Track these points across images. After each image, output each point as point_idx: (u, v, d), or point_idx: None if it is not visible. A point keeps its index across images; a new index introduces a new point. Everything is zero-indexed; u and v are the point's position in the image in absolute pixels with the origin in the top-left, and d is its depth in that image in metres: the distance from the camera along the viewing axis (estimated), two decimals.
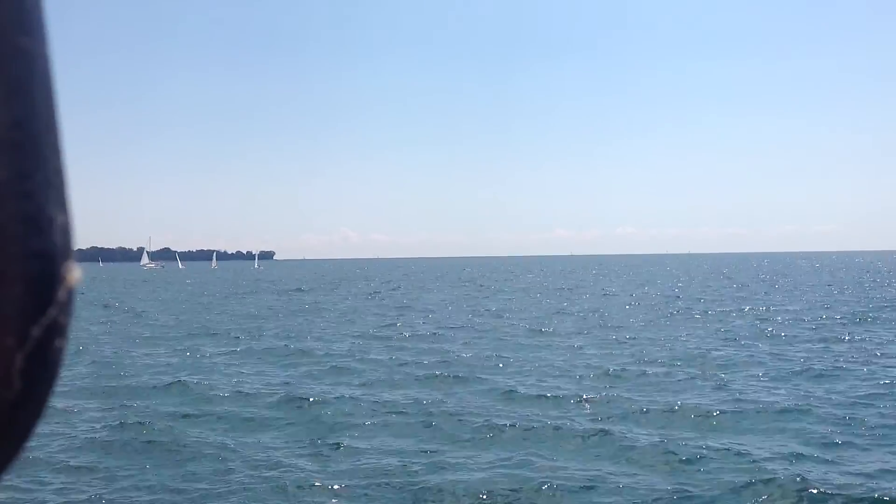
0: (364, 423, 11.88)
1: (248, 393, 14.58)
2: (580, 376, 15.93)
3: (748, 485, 8.71)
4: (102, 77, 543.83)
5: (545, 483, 8.87)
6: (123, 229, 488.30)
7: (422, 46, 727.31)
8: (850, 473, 9.17)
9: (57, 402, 13.28)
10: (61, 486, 9.16)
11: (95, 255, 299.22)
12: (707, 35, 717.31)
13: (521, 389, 14.38)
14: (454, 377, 15.84)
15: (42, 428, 11.91)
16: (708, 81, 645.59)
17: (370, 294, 52.67)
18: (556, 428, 11.27)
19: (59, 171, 0.45)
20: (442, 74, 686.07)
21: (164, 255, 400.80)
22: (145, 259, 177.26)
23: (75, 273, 0.46)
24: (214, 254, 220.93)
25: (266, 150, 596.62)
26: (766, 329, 24.79)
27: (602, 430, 11.08)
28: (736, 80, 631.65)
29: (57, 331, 0.45)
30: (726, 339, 22.62)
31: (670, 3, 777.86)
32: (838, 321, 27.44)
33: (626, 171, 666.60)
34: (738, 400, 13.25)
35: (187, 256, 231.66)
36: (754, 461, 9.59)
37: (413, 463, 9.77)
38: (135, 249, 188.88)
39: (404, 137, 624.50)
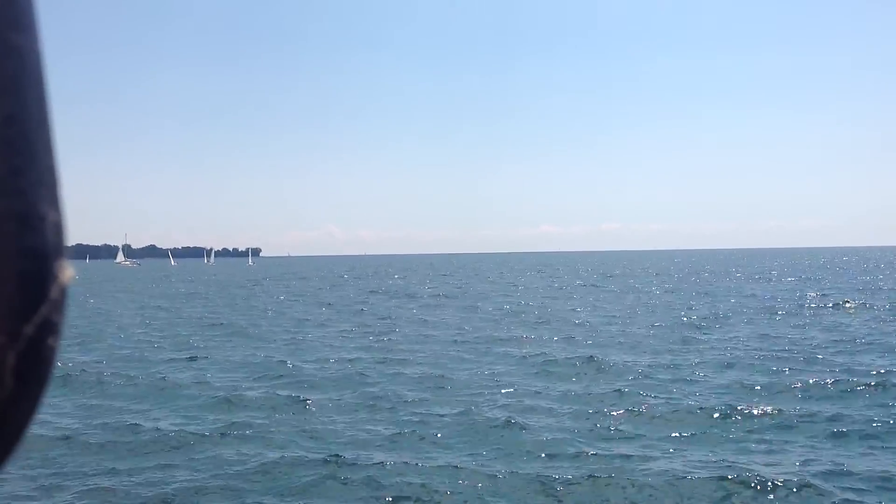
0: None
1: None
2: None
3: None
4: (89, 74, 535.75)
5: None
6: (107, 226, 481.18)
7: (409, 44, 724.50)
8: None
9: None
10: None
11: (83, 252, 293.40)
12: (693, 32, 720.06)
13: None
14: None
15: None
16: (693, 78, 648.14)
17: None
18: None
19: (51, 168, 0.45)
20: (429, 72, 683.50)
21: (150, 252, 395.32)
22: (120, 257, 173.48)
23: (68, 271, 0.45)
24: (213, 251, 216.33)
25: (251, 146, 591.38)
26: None
27: None
28: (721, 77, 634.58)
29: (50, 329, 0.44)
30: None
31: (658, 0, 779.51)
32: None
33: (611, 166, 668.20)
34: None
35: (174, 254, 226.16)
36: None
37: None
38: (120, 247, 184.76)
39: (390, 134, 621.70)
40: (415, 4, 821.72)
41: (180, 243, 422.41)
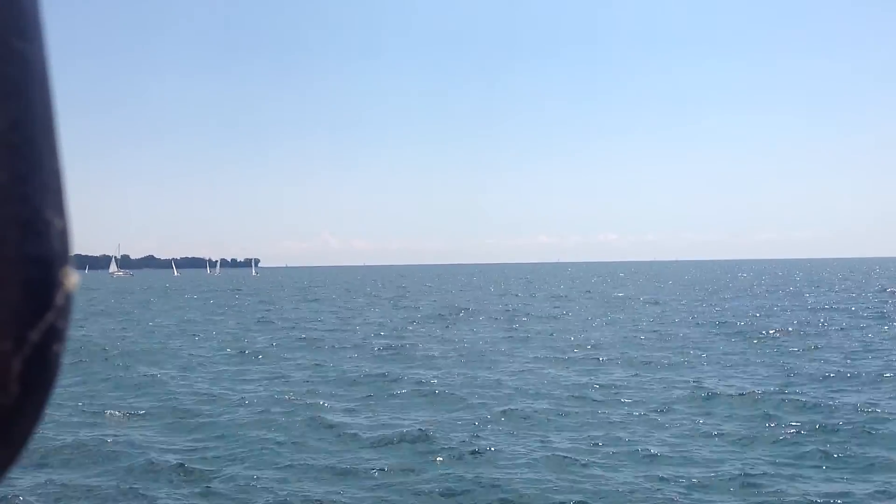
0: None
1: None
2: None
3: None
4: (87, 82, 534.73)
5: None
6: (105, 236, 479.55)
7: (404, 54, 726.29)
8: None
9: None
10: None
11: (83, 262, 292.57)
12: (689, 41, 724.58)
13: None
14: None
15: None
16: (688, 87, 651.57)
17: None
18: None
19: (57, 174, 0.46)
20: (424, 81, 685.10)
21: (148, 262, 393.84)
22: (113, 267, 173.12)
23: (73, 278, 0.46)
24: (218, 261, 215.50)
25: (246, 156, 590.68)
26: None
27: None
28: (717, 85, 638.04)
29: (55, 335, 0.44)
30: None
31: (653, 6, 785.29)
32: None
33: (608, 177, 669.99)
34: None
35: (171, 264, 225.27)
36: None
37: None
38: (118, 257, 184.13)
39: (385, 143, 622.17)
40: (410, 14, 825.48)
41: (177, 254, 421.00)
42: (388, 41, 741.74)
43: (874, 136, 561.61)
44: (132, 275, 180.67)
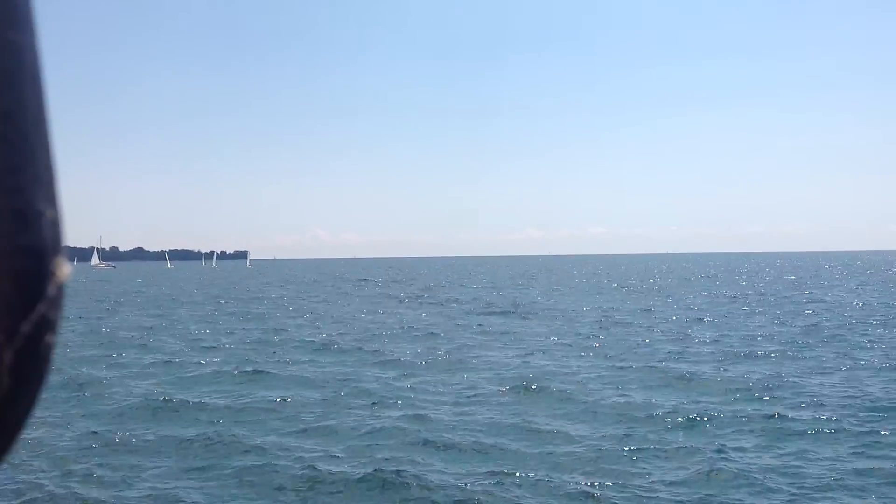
0: None
1: None
2: None
3: None
4: (79, 74, 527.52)
5: None
6: (94, 228, 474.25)
7: (394, 47, 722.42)
8: None
9: None
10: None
11: (72, 255, 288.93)
12: (679, 38, 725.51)
13: None
14: None
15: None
16: (676, 82, 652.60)
17: None
18: None
19: (49, 165, 0.45)
20: (415, 75, 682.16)
21: (138, 254, 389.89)
22: (95, 259, 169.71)
23: (65, 268, 0.45)
24: (214, 254, 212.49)
25: (236, 149, 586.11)
26: None
27: None
28: (704, 81, 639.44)
29: (47, 326, 0.44)
30: None
31: (644, 3, 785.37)
32: None
33: (598, 171, 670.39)
34: None
35: (162, 256, 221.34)
36: None
37: None
38: (107, 249, 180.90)
39: (376, 137, 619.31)
40: (401, 9, 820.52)
41: (166, 246, 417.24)
42: (381, 37, 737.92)
43: (866, 133, 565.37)
44: (114, 267, 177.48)
